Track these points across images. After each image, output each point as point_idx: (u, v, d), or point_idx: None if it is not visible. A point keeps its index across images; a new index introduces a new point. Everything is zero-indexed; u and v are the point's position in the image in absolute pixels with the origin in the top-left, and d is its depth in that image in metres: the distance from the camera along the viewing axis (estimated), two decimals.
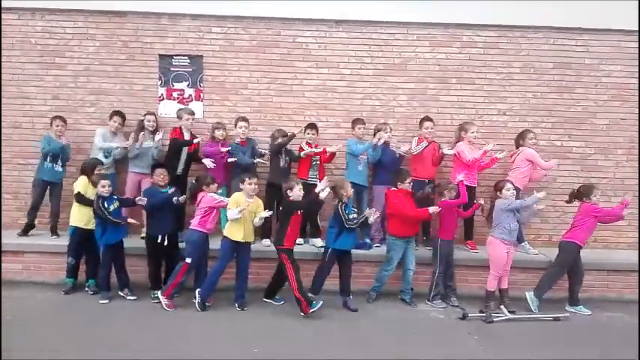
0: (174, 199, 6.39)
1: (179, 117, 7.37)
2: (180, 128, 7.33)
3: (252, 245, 6.49)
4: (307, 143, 7.34)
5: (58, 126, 7.22)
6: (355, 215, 6.43)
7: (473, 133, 7.26)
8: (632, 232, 7.84)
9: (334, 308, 6.38)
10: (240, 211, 6.07)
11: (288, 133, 7.20)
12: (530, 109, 7.86)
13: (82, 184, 6.63)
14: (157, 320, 5.92)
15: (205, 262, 6.46)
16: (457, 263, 6.87)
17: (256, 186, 6.42)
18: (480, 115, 7.84)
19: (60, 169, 7.21)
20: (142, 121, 7.34)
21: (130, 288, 6.57)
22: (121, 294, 6.53)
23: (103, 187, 6.39)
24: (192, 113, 7.44)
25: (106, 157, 7.25)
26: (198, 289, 6.22)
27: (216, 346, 5.25)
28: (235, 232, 6.21)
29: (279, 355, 5.15)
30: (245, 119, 7.41)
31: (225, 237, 6.30)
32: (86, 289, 6.64)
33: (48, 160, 7.12)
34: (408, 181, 6.58)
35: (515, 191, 6.54)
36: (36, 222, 7.36)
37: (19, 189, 7.68)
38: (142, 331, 5.61)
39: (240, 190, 6.41)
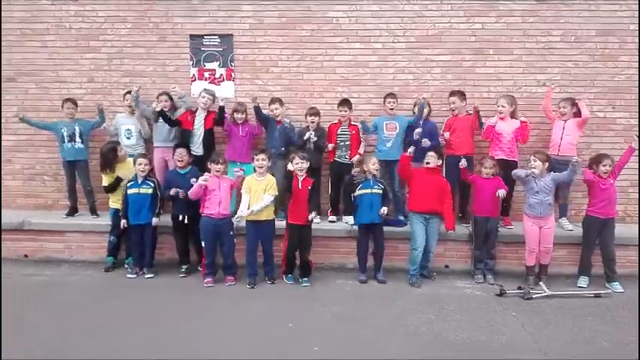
0: (192, 180, 6.42)
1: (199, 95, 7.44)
2: (192, 110, 7.40)
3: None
4: (339, 120, 7.28)
5: (69, 108, 7.42)
6: (377, 191, 6.38)
7: (499, 107, 7.02)
8: None
9: (369, 286, 6.43)
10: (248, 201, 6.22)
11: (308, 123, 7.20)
12: (571, 80, 7.53)
13: (106, 180, 6.79)
14: (191, 296, 6.04)
15: (227, 243, 6.37)
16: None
17: (264, 162, 6.31)
18: (519, 87, 7.57)
19: (81, 145, 7.39)
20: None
21: (151, 269, 6.66)
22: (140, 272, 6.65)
23: (140, 164, 6.53)
24: (213, 94, 7.42)
25: (128, 138, 7.39)
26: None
27: (250, 322, 5.30)
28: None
29: (312, 330, 5.13)
30: (278, 100, 7.30)
31: None
32: (125, 266, 6.82)
33: (66, 140, 7.33)
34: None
35: (538, 164, 6.26)
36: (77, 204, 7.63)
37: (58, 170, 7.86)
38: (167, 307, 5.71)
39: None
